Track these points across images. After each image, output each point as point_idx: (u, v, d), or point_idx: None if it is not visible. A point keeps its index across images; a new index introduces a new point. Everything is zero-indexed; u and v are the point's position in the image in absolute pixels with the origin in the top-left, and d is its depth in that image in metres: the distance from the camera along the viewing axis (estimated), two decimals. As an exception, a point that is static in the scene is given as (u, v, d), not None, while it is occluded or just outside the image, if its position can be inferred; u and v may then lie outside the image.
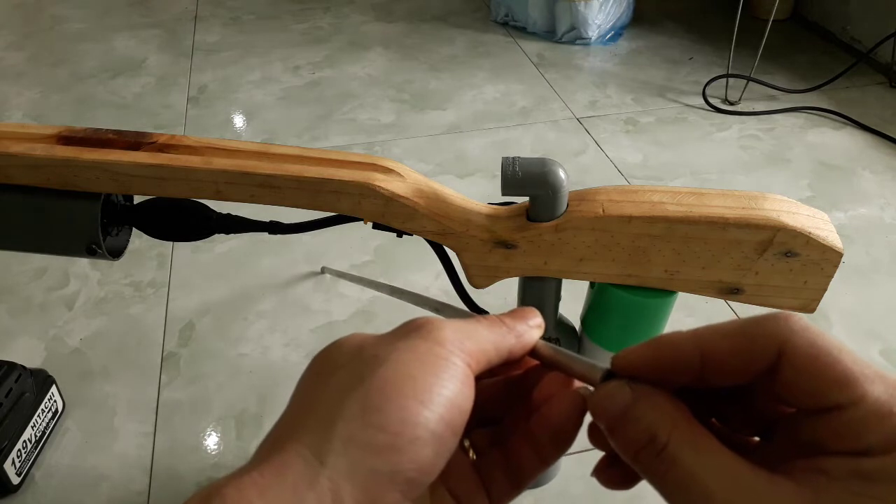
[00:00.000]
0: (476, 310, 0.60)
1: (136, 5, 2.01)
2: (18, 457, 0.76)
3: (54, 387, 0.84)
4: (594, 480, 0.24)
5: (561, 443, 0.24)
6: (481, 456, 0.25)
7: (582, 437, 0.24)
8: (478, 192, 1.17)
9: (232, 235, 0.64)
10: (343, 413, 0.20)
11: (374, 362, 0.21)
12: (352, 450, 0.20)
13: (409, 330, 0.23)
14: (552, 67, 1.66)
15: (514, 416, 0.26)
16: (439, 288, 1.03)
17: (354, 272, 1.06)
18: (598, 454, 0.24)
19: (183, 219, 0.54)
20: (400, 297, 0.36)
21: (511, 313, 0.26)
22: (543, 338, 0.26)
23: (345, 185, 0.48)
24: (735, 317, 0.99)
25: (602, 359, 0.59)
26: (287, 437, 0.21)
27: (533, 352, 0.25)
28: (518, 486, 0.25)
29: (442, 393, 0.21)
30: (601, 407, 0.22)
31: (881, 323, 0.98)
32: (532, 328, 0.25)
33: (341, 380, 0.21)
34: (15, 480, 0.76)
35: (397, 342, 0.22)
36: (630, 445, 0.21)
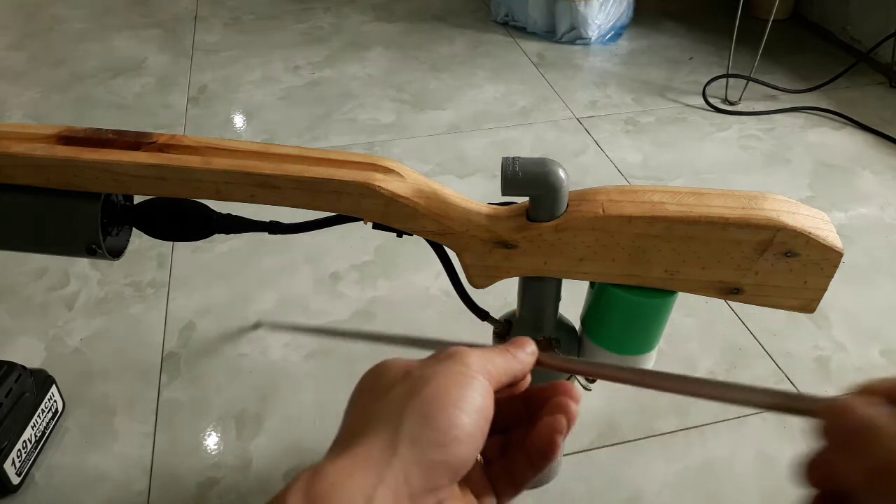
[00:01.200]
0: (476, 310, 0.60)
1: (136, 5, 2.01)
2: (18, 457, 0.76)
3: (54, 387, 0.84)
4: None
5: (547, 456, 0.31)
6: (490, 462, 0.32)
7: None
8: (478, 192, 1.17)
9: (232, 235, 0.64)
10: (405, 418, 0.27)
11: (422, 381, 0.28)
12: (415, 445, 0.26)
13: (445, 357, 0.30)
14: (552, 67, 1.66)
15: (517, 429, 0.32)
16: (439, 288, 1.03)
17: (354, 272, 1.06)
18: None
19: (183, 219, 0.54)
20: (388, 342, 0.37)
21: (513, 343, 0.32)
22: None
23: (345, 185, 0.48)
24: (735, 317, 0.99)
25: (602, 359, 0.59)
26: (361, 433, 0.27)
27: (539, 363, 0.33)
28: (517, 488, 0.31)
29: (473, 404, 0.28)
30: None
31: (881, 323, 0.98)
32: (529, 355, 0.32)
33: (398, 394, 0.28)
34: (15, 480, 0.76)
35: (437, 366, 0.29)
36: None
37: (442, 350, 0.30)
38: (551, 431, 0.30)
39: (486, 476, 0.32)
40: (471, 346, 0.32)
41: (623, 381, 0.34)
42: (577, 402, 0.32)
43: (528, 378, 0.33)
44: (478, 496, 0.31)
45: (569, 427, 0.31)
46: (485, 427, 0.28)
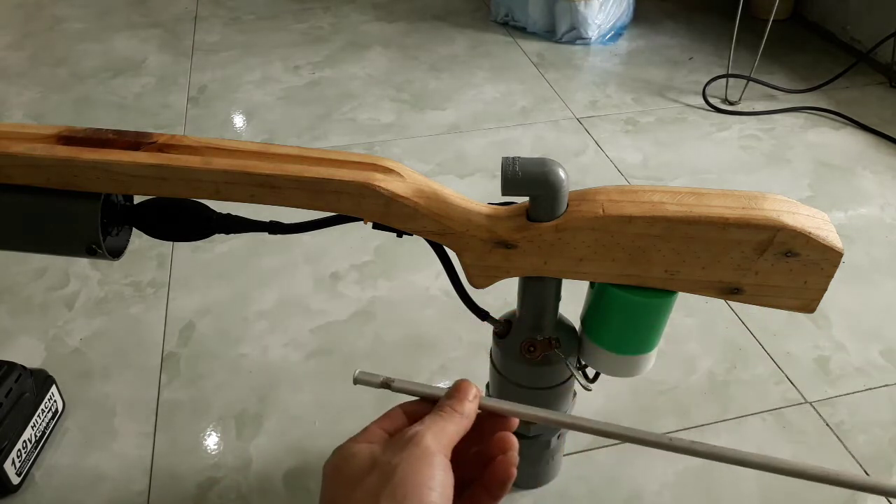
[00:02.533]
0: (476, 310, 0.60)
1: (136, 5, 2.01)
2: (18, 457, 0.76)
3: (54, 387, 0.84)
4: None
5: (506, 486, 0.37)
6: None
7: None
8: (478, 192, 1.17)
9: (232, 235, 0.64)
10: (382, 502, 0.31)
11: (391, 468, 0.32)
12: None
13: (405, 443, 0.34)
14: (552, 67, 1.66)
15: (471, 470, 0.38)
16: (439, 288, 1.03)
17: (355, 272, 1.06)
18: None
19: (183, 219, 0.54)
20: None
21: (455, 396, 0.37)
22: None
23: (345, 185, 0.48)
24: (735, 317, 0.99)
25: (602, 358, 0.59)
26: None
27: (481, 407, 0.38)
28: None
29: (438, 479, 0.32)
30: None
31: (881, 323, 0.98)
32: (472, 402, 0.38)
33: (372, 482, 0.32)
34: (15, 480, 0.76)
35: (401, 453, 0.33)
36: None
37: (401, 436, 0.35)
38: (507, 465, 0.37)
39: None
40: (429, 397, 0.38)
41: (560, 426, 0.39)
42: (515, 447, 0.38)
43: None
44: None
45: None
46: (450, 494, 0.33)
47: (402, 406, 0.39)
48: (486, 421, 0.39)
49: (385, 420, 0.37)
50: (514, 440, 0.38)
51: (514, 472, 0.37)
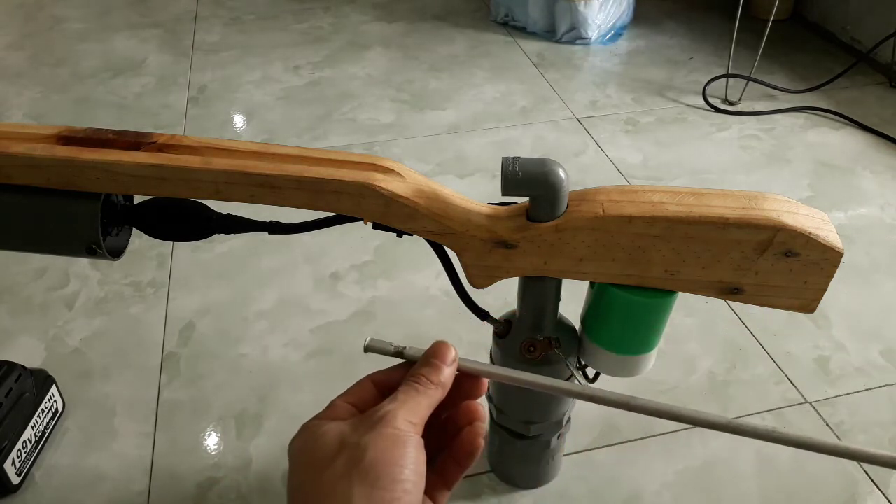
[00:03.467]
0: (476, 310, 0.60)
1: (136, 5, 2.01)
2: (18, 457, 0.76)
3: (54, 387, 0.84)
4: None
5: (473, 455, 0.36)
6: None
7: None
8: (478, 192, 1.17)
9: (232, 235, 0.64)
10: (353, 488, 0.30)
11: (360, 449, 0.31)
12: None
13: (375, 422, 0.32)
14: (552, 67, 1.66)
15: (440, 437, 0.37)
16: (439, 288, 1.03)
17: (355, 272, 1.06)
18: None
19: (183, 219, 0.54)
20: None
21: (431, 363, 0.36)
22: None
23: (345, 185, 0.48)
24: (735, 317, 0.99)
25: (602, 358, 0.59)
26: None
27: (460, 370, 0.37)
28: (450, 487, 0.36)
29: (410, 457, 0.31)
30: None
31: (881, 323, 0.98)
32: (450, 367, 0.36)
33: (340, 466, 0.31)
34: (15, 480, 0.76)
35: (371, 432, 0.32)
36: None
37: (372, 412, 0.33)
38: (474, 436, 0.36)
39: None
40: (402, 356, 0.37)
41: (540, 389, 0.37)
42: (483, 419, 0.37)
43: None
44: None
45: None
46: (423, 470, 0.32)
47: (370, 377, 0.37)
48: (462, 384, 0.37)
49: (352, 394, 0.36)
50: (481, 410, 0.37)
51: (482, 442, 0.36)
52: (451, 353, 0.36)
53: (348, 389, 0.36)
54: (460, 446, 0.36)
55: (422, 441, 0.33)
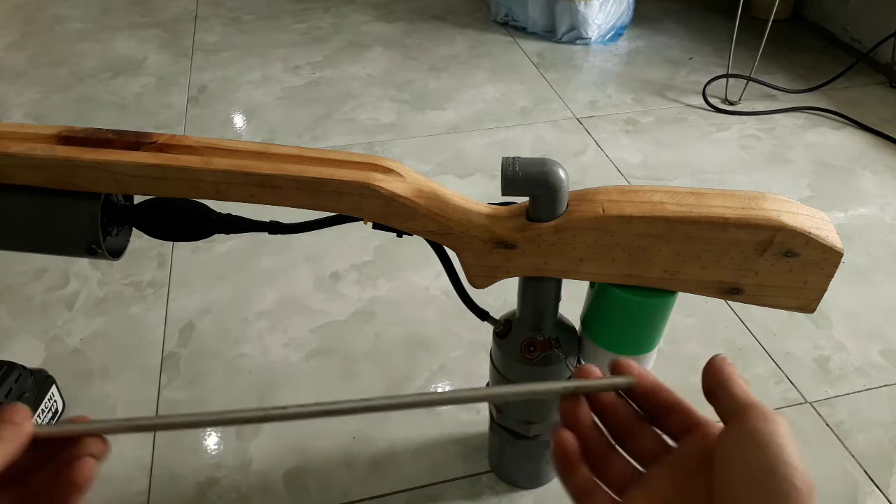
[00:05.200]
0: (476, 310, 0.60)
1: (136, 5, 2.01)
2: (18, 457, 0.76)
3: (54, 387, 0.84)
4: None
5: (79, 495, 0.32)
6: None
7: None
8: (478, 192, 1.17)
9: (232, 235, 0.64)
10: None
11: None
12: None
13: None
14: (552, 67, 1.66)
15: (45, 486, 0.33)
16: (439, 288, 1.03)
17: (354, 272, 1.06)
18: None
19: (183, 219, 0.54)
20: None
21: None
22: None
23: (345, 185, 0.48)
24: (735, 317, 0.99)
25: (602, 358, 0.59)
26: None
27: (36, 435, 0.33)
28: None
29: None
30: None
31: (881, 323, 0.98)
32: (24, 421, 0.32)
33: None
34: (15, 480, 0.76)
35: None
36: None
37: None
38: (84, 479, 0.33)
39: None
40: None
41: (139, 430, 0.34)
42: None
43: None
44: None
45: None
46: None
47: None
48: (61, 450, 0.34)
49: None
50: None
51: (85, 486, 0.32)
52: (20, 410, 0.32)
53: None
54: (69, 484, 0.33)
55: None
